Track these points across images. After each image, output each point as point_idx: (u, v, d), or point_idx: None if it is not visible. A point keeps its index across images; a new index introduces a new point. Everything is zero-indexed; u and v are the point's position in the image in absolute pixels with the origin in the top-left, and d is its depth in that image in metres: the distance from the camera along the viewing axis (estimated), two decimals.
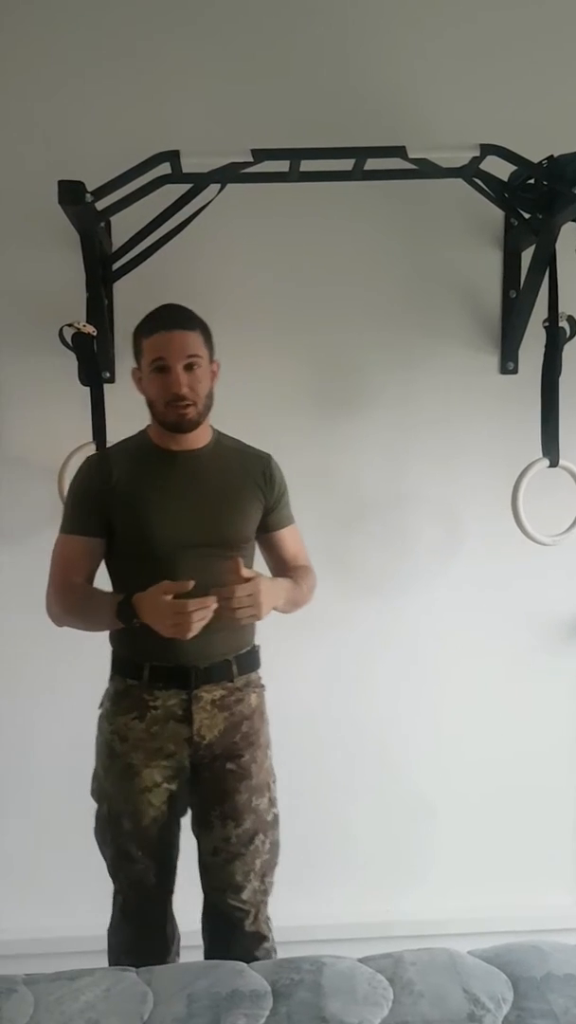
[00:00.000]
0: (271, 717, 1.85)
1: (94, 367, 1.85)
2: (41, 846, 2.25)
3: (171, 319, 1.66)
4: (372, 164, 1.94)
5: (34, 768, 2.25)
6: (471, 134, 1.93)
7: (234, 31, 2.10)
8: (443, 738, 2.32)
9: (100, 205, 1.85)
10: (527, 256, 2.07)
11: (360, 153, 1.91)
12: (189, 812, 1.79)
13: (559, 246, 1.89)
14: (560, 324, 1.94)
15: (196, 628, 1.54)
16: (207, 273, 2.14)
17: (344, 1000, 1.36)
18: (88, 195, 1.78)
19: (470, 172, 1.97)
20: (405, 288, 2.21)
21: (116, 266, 2.04)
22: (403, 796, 2.32)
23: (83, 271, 1.95)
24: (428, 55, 2.13)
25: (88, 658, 1.78)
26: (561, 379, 1.95)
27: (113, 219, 1.98)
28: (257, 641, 1.81)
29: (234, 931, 1.77)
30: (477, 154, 1.90)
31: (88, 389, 1.91)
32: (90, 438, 1.94)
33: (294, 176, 1.98)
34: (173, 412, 1.66)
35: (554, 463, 1.99)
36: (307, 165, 1.94)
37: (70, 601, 1.69)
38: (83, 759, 1.80)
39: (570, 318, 1.95)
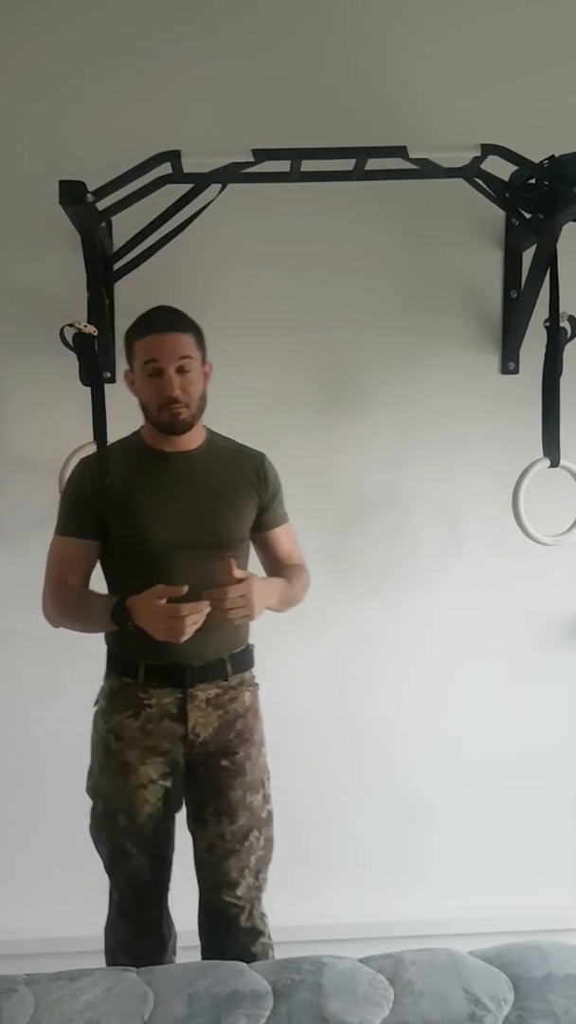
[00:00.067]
0: (271, 717, 1.85)
1: (95, 367, 1.85)
2: (41, 846, 2.25)
3: (163, 321, 1.67)
4: (373, 164, 1.94)
5: (34, 768, 2.25)
6: (472, 134, 1.93)
7: (234, 31, 2.10)
8: (443, 738, 2.32)
9: (101, 205, 1.85)
10: (528, 256, 2.07)
11: (361, 153, 1.91)
12: (184, 809, 1.80)
13: (560, 246, 1.89)
14: (561, 324, 1.94)
15: (189, 632, 1.56)
16: (208, 273, 2.13)
17: (345, 1000, 1.36)
18: (89, 195, 1.78)
19: (471, 172, 1.97)
20: (406, 288, 2.21)
21: (117, 266, 2.04)
22: (403, 796, 2.32)
23: (84, 271, 1.96)
24: (429, 55, 2.13)
25: (88, 658, 1.79)
26: (562, 379, 1.95)
27: (114, 219, 1.98)
28: (252, 641, 1.82)
29: (230, 927, 1.78)
30: (478, 154, 1.90)
31: (89, 389, 1.90)
32: (91, 438, 1.94)
33: (295, 176, 1.98)
34: (167, 414, 1.67)
35: (555, 463, 1.99)
36: (308, 165, 1.94)
37: (65, 603, 1.71)
38: (83, 759, 1.80)
39: (571, 318, 1.95)
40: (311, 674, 2.27)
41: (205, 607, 1.55)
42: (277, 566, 1.84)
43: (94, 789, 1.78)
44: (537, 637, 2.33)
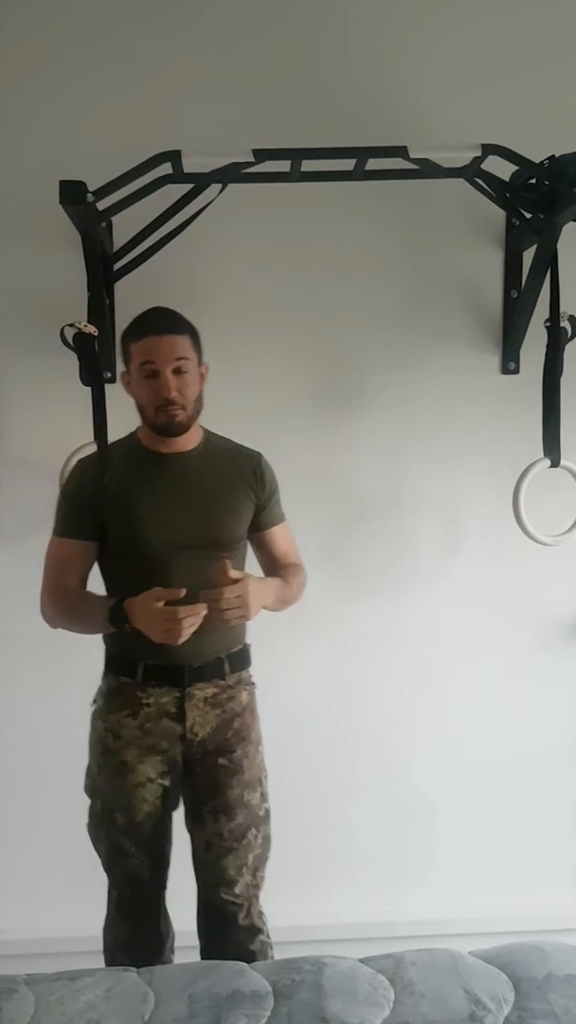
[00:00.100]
0: (271, 717, 1.85)
1: (95, 367, 1.85)
2: (41, 846, 2.25)
3: (159, 323, 1.67)
4: (373, 164, 1.94)
5: (34, 768, 2.25)
6: (472, 134, 1.93)
7: (234, 31, 2.10)
8: (443, 738, 2.32)
9: (101, 205, 1.86)
10: (528, 256, 2.07)
11: (361, 153, 1.91)
12: (182, 809, 1.81)
13: (560, 246, 1.89)
14: (561, 324, 1.94)
15: (186, 635, 1.56)
16: (208, 273, 2.13)
17: (345, 1000, 1.36)
18: (89, 195, 1.78)
19: (471, 172, 1.97)
20: (406, 288, 2.21)
21: (117, 266, 2.04)
22: (403, 796, 2.32)
23: (84, 271, 1.96)
24: (429, 55, 2.13)
25: (88, 658, 1.79)
26: (563, 379, 1.95)
27: (114, 219, 1.98)
28: (252, 641, 1.82)
29: (229, 925, 1.79)
30: (478, 154, 1.90)
31: (89, 389, 1.90)
32: (91, 438, 1.94)
33: (295, 176, 1.98)
34: (163, 416, 1.67)
35: (555, 463, 1.99)
36: (308, 165, 1.94)
37: (63, 604, 1.71)
38: (83, 759, 1.80)
39: (571, 318, 1.95)
40: (311, 674, 2.27)
41: (202, 609, 1.56)
42: (274, 565, 1.84)
43: (92, 788, 1.78)
44: (537, 637, 2.33)
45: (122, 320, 1.86)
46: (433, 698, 2.31)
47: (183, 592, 1.56)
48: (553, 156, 1.82)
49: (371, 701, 2.30)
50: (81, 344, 1.84)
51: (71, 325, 1.85)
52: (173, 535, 1.68)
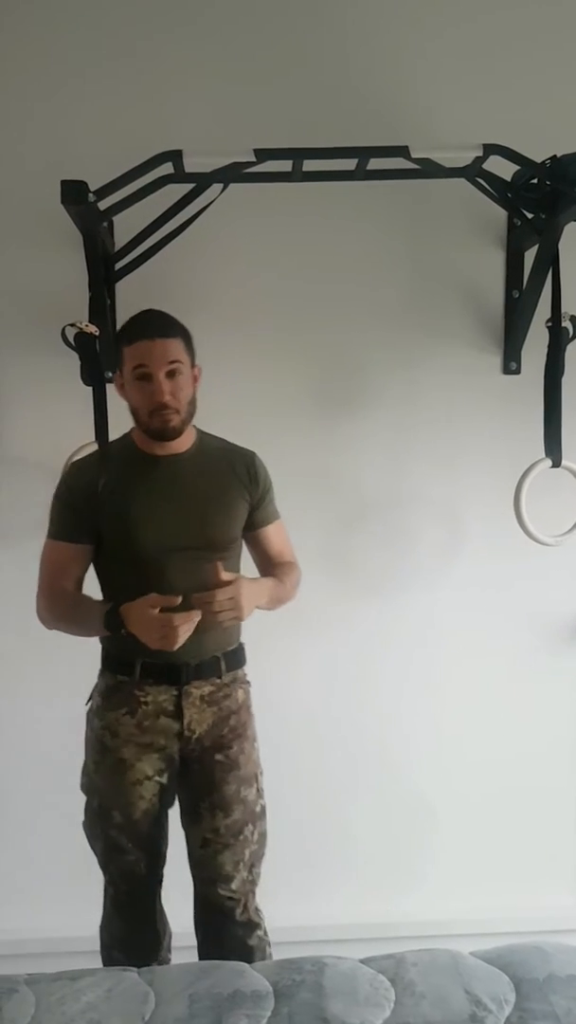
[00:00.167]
0: (271, 717, 1.86)
1: (96, 367, 1.85)
2: (42, 846, 2.25)
3: (152, 326, 1.67)
4: (375, 164, 1.94)
5: (34, 768, 2.25)
6: (474, 134, 1.93)
7: (235, 31, 2.10)
8: (444, 738, 2.32)
9: (102, 205, 1.86)
10: (530, 256, 2.07)
11: (363, 153, 1.91)
12: (177, 807, 1.81)
13: (562, 246, 1.89)
14: (563, 324, 1.94)
15: (182, 640, 1.58)
16: (210, 273, 2.13)
17: (346, 1001, 1.36)
18: (91, 195, 1.78)
19: (473, 172, 1.97)
20: (407, 288, 2.21)
21: (119, 266, 2.04)
22: (404, 796, 2.32)
23: (85, 271, 1.95)
24: (430, 55, 2.13)
25: (88, 658, 1.79)
26: (564, 379, 1.95)
27: (115, 219, 1.98)
28: (253, 640, 1.82)
29: (226, 921, 1.79)
30: (480, 154, 1.90)
31: (90, 389, 1.90)
32: (91, 438, 1.94)
33: (297, 176, 1.97)
34: (157, 420, 1.67)
35: (556, 463, 1.99)
36: (310, 165, 1.94)
37: (59, 608, 1.72)
38: (83, 758, 1.80)
39: (573, 318, 1.95)
40: (311, 674, 2.27)
41: (196, 616, 1.57)
42: (269, 564, 1.84)
43: (88, 786, 1.79)
44: (539, 638, 2.33)
45: (124, 320, 1.85)
46: (434, 698, 2.31)
47: (179, 600, 1.57)
48: (555, 156, 1.82)
49: (371, 701, 2.30)
50: (82, 344, 1.84)
51: (72, 325, 1.85)
52: (168, 537, 1.68)
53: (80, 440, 1.98)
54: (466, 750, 2.32)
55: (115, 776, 1.74)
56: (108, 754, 1.74)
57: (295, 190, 2.03)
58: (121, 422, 1.79)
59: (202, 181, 1.91)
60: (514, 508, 1.99)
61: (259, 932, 1.83)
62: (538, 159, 1.85)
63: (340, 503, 2.24)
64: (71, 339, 1.86)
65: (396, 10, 2.12)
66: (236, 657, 1.80)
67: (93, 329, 1.85)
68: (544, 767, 2.34)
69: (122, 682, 1.73)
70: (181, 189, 1.93)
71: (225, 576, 1.60)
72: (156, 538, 1.68)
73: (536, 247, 1.97)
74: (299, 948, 1.62)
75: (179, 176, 1.92)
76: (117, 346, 1.70)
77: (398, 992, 1.39)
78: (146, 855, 1.78)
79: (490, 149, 1.88)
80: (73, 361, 1.87)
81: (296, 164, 1.94)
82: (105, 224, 2.00)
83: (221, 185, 1.92)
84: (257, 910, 1.84)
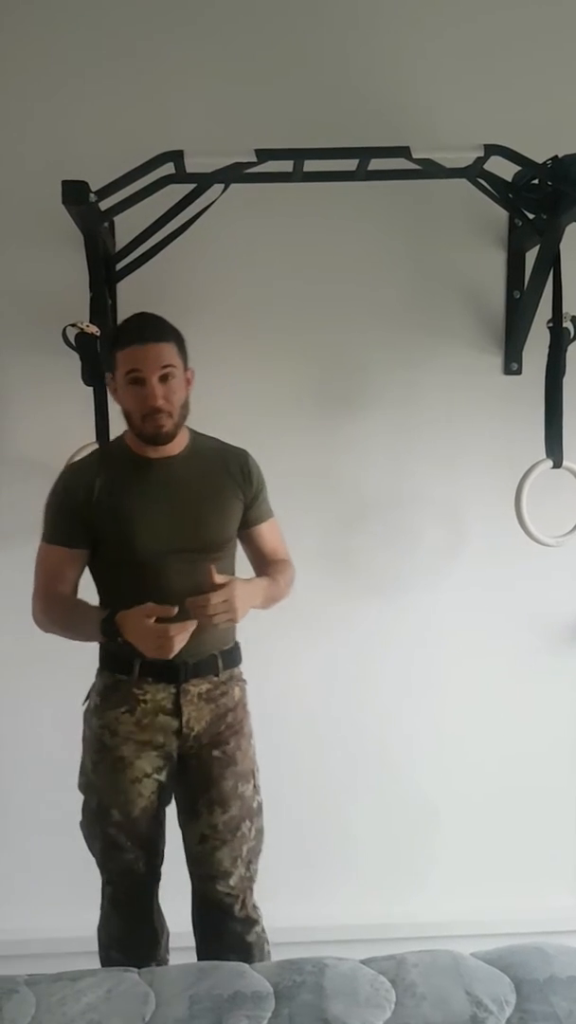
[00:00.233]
0: (271, 717, 1.86)
1: (97, 367, 1.85)
2: (42, 846, 2.25)
3: (144, 331, 1.66)
4: (376, 164, 1.94)
5: (34, 768, 2.24)
6: (475, 134, 1.93)
7: (235, 31, 2.10)
8: (445, 738, 2.32)
9: (104, 205, 1.85)
10: (531, 256, 2.07)
11: (364, 153, 1.91)
12: (175, 805, 1.81)
13: (563, 246, 1.89)
14: (564, 325, 1.95)
15: (177, 649, 1.59)
16: (210, 273, 2.13)
17: (346, 1002, 1.36)
18: (92, 195, 1.78)
19: (474, 172, 1.97)
20: (408, 288, 2.20)
21: (119, 266, 2.04)
22: (404, 797, 2.32)
23: (86, 271, 1.95)
24: (431, 55, 2.13)
25: (88, 658, 1.79)
26: (565, 380, 1.95)
27: (116, 219, 1.98)
28: (252, 641, 1.83)
29: (225, 917, 1.80)
30: (481, 154, 1.89)
31: (91, 389, 1.90)
32: (92, 438, 1.94)
33: (298, 176, 1.97)
34: (151, 425, 1.67)
35: (558, 464, 1.99)
36: (311, 165, 1.94)
37: (54, 612, 1.72)
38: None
39: (574, 319, 1.95)
40: (311, 674, 2.27)
41: (192, 625, 1.58)
42: (263, 562, 1.85)
43: (87, 785, 1.79)
44: (540, 638, 2.33)
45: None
46: (434, 699, 2.30)
47: (175, 610, 1.57)
48: (556, 156, 1.82)
49: (372, 701, 2.30)
50: (83, 344, 1.84)
51: (73, 325, 1.85)
52: (163, 540, 1.68)
53: (80, 440, 1.98)
54: (467, 750, 2.32)
55: (114, 774, 1.74)
56: (107, 752, 1.74)
57: (296, 190, 2.03)
58: (121, 422, 1.79)
59: (203, 181, 1.91)
60: (515, 509, 1.99)
61: (257, 928, 1.83)
62: (539, 159, 1.85)
63: (340, 503, 2.24)
64: (72, 339, 1.86)
65: (396, 10, 2.12)
66: (233, 655, 1.81)
67: (94, 329, 1.85)
68: (545, 768, 2.34)
69: (121, 681, 1.74)
70: (182, 189, 1.93)
71: (219, 579, 1.60)
72: (151, 541, 1.68)
73: (537, 248, 1.97)
74: (299, 948, 1.62)
75: (180, 176, 1.92)
76: (110, 351, 1.70)
77: (399, 993, 1.39)
78: (145, 853, 1.79)
79: (491, 149, 1.88)
80: (73, 361, 1.86)
81: (297, 164, 1.93)
82: (106, 224, 2.00)
83: (222, 185, 1.92)
84: (255, 906, 1.84)
